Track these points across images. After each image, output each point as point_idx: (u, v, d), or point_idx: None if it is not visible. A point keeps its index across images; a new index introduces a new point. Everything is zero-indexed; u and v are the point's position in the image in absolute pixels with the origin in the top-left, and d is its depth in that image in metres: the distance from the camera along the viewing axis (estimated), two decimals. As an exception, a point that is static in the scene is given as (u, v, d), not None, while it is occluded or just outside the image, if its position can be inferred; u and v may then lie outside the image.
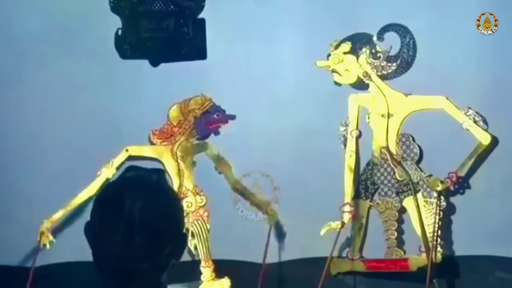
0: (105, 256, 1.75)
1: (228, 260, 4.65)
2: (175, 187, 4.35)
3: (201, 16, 4.49)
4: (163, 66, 4.46)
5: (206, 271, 4.45)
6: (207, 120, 4.28)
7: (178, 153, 4.31)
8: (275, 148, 4.57)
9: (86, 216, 1.79)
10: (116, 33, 4.46)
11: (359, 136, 4.24)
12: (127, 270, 1.74)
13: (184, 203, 4.36)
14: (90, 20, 4.45)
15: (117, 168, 4.23)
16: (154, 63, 4.43)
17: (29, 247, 4.65)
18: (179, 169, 4.33)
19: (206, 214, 4.39)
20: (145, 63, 4.45)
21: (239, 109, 4.40)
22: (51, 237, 4.25)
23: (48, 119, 4.58)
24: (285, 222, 4.60)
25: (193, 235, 4.42)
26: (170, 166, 4.31)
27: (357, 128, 4.23)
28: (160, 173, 1.80)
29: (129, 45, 4.44)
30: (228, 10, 4.47)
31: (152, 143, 4.32)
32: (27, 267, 4.61)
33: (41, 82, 4.58)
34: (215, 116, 4.28)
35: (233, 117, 4.29)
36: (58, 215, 4.24)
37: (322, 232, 4.16)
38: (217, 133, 4.34)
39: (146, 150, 4.32)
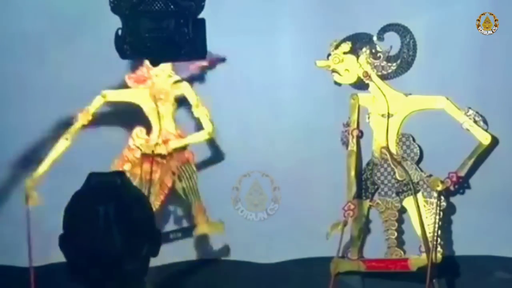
0: (87, 266, 1.76)
1: (228, 260, 4.66)
2: (156, 131, 4.28)
3: (201, 16, 4.49)
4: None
5: (198, 213, 4.40)
6: None
7: (157, 96, 4.23)
8: (275, 148, 4.57)
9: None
10: (116, 33, 4.45)
11: (360, 136, 4.22)
12: (112, 276, 1.76)
13: (169, 147, 4.28)
14: (90, 20, 4.45)
15: (93, 114, 4.14)
16: (154, 63, 4.43)
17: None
18: (158, 113, 4.25)
19: (191, 156, 4.33)
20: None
21: (239, 109, 4.39)
22: (36, 198, 4.01)
23: (48, 119, 4.58)
24: (285, 222, 4.61)
25: (180, 179, 4.35)
26: (149, 110, 4.23)
27: (357, 127, 4.22)
28: (122, 176, 1.82)
29: (129, 45, 4.43)
30: (228, 10, 4.47)
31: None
32: (27, 267, 4.61)
33: (41, 82, 4.58)
34: None
35: (217, 60, 4.18)
36: (39, 172, 4.05)
37: (329, 235, 4.12)
38: (200, 76, 4.25)
39: (123, 94, 4.22)
